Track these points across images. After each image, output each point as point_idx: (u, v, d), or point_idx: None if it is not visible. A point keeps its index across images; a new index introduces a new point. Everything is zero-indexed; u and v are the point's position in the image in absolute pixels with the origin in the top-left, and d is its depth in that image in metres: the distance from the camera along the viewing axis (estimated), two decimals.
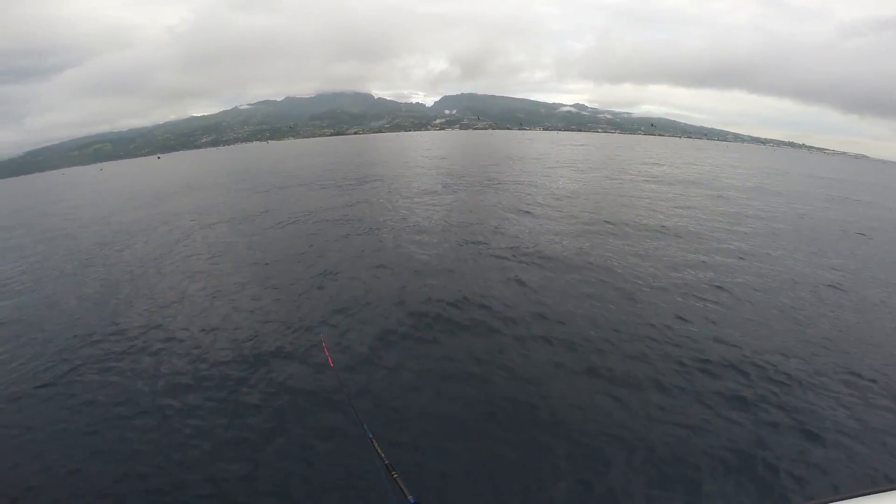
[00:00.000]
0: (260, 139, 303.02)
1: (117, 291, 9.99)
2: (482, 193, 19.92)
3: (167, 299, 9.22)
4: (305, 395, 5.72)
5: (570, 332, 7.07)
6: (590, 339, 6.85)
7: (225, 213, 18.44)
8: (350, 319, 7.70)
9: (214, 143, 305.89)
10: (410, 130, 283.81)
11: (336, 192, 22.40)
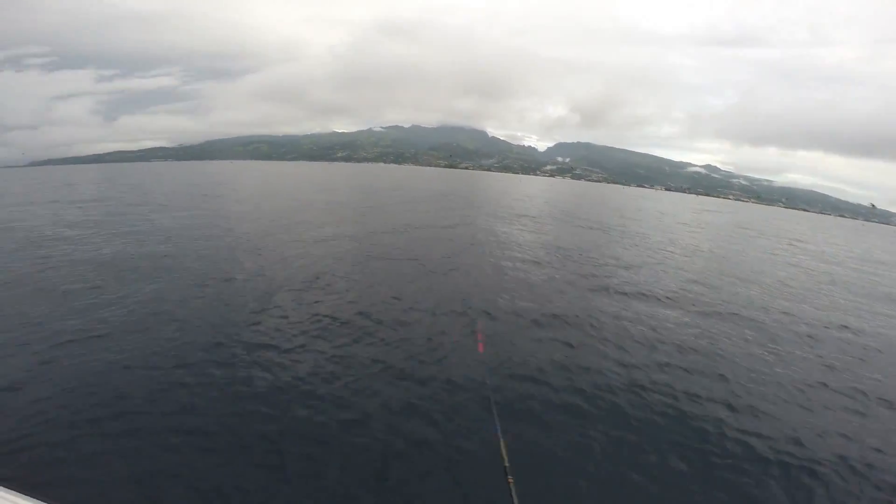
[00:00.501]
0: (385, 161, 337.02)
1: (272, 268, 11.07)
2: (596, 238, 20.20)
3: (319, 280, 10.40)
4: (453, 375, 6.19)
5: (707, 365, 7.30)
6: (724, 376, 6.99)
7: (356, 216, 21.53)
8: (498, 319, 8.52)
9: (347, 159, 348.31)
10: (518, 173, 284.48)
11: (448, 216, 24.70)
